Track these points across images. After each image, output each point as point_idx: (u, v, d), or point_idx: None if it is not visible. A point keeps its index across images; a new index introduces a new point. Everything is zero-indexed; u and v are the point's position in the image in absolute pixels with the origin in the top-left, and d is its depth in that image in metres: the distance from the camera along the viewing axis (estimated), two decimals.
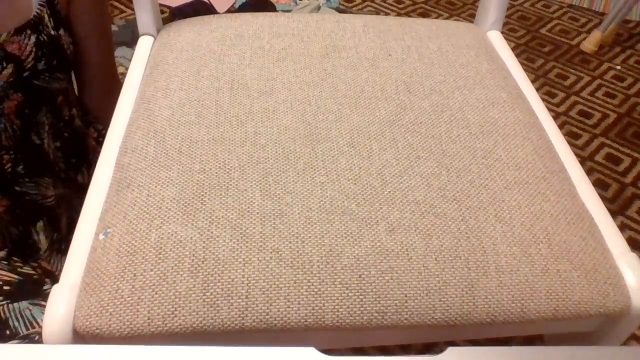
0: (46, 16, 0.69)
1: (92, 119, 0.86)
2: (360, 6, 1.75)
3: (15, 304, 0.66)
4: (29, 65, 0.67)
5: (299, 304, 0.48)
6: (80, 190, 0.82)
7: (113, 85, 0.88)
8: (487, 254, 0.51)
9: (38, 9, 0.68)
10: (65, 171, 0.79)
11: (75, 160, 0.81)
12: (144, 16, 0.77)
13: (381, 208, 0.53)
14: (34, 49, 0.67)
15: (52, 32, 0.70)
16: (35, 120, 0.71)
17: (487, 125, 0.63)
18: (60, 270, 0.74)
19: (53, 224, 0.76)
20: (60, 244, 0.78)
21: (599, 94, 1.46)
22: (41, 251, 0.75)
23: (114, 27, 1.57)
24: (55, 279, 0.73)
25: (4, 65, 0.65)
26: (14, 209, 0.72)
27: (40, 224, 0.74)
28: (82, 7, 0.76)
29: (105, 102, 0.86)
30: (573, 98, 1.45)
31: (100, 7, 0.79)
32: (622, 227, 1.12)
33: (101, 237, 0.52)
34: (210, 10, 1.61)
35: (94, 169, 0.82)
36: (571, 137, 1.34)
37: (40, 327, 0.65)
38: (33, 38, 0.67)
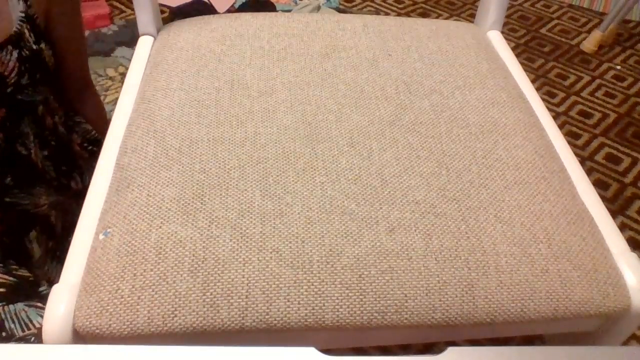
0: (26, 31, 0.68)
1: (72, 115, 0.85)
2: (360, 6, 1.75)
3: (11, 306, 0.66)
4: (12, 81, 0.67)
5: (299, 304, 0.48)
6: (75, 196, 0.81)
7: (86, 85, 0.88)
8: (487, 254, 0.51)
9: (18, 24, 0.67)
10: (56, 179, 0.78)
11: (66, 168, 0.81)
12: (144, 16, 0.77)
13: (381, 208, 0.53)
14: (17, 65, 0.67)
15: (34, 47, 0.69)
16: (19, 131, 0.71)
17: (487, 125, 0.63)
18: (55, 277, 0.74)
19: (47, 231, 0.76)
20: (55, 252, 0.77)
21: (599, 94, 1.46)
22: (34, 259, 0.74)
23: (113, 27, 1.57)
24: (51, 282, 0.73)
25: None
26: (4, 220, 0.72)
27: (33, 233, 0.74)
28: (58, 18, 0.75)
29: (82, 96, 0.86)
30: (573, 98, 1.45)
31: (75, 17, 0.79)
32: (622, 227, 1.12)
33: (101, 237, 0.52)
34: (210, 10, 1.61)
35: (86, 174, 0.82)
36: (571, 137, 1.34)
37: (37, 328, 0.65)
38: (15, 54, 0.66)
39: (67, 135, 0.82)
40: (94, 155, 0.85)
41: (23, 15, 0.67)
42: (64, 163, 0.80)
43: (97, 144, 0.86)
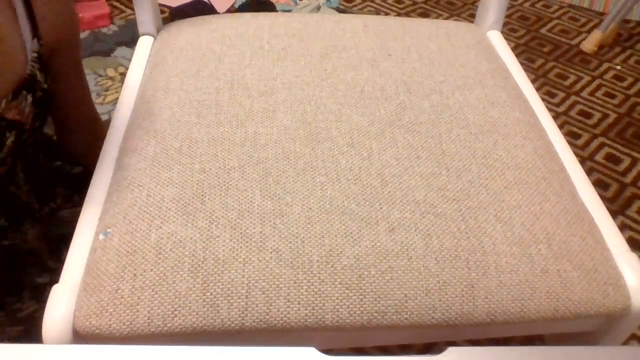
0: (38, 72, 0.65)
1: (79, 162, 0.82)
2: (360, 6, 1.75)
3: None
4: (28, 127, 0.65)
5: (299, 304, 0.48)
6: (54, 215, 0.79)
7: (94, 126, 0.84)
8: (487, 254, 0.51)
9: (31, 65, 0.64)
10: (39, 209, 0.77)
11: (49, 193, 0.78)
12: (144, 16, 0.77)
13: (381, 208, 0.53)
14: (32, 109, 0.64)
15: (44, 86, 0.66)
16: (14, 170, 0.68)
17: (487, 125, 0.63)
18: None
19: (40, 264, 0.74)
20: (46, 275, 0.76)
21: (599, 94, 1.46)
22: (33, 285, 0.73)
23: (113, 27, 1.57)
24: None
25: (7, 135, 0.62)
26: (5, 265, 0.70)
27: (32, 269, 0.73)
28: (63, 53, 0.72)
29: (88, 144, 0.83)
30: (573, 98, 1.44)
31: (77, 51, 0.76)
32: (622, 227, 1.12)
33: (101, 237, 0.52)
34: (210, 10, 1.60)
35: (60, 191, 0.79)
36: (571, 137, 1.34)
37: None
38: (29, 98, 0.63)
39: (37, 157, 0.77)
40: (58, 170, 0.81)
41: (36, 55, 0.64)
42: (45, 189, 0.78)
43: (55, 155, 0.81)
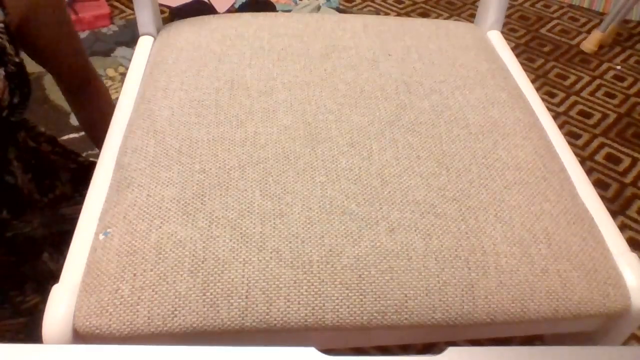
0: (7, 44, 0.62)
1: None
2: (360, 6, 1.75)
3: None
4: (6, 104, 0.62)
5: (299, 304, 0.48)
6: (55, 206, 0.78)
7: (87, 81, 0.84)
8: (487, 254, 0.51)
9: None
10: (40, 200, 0.76)
11: (49, 182, 0.78)
12: (144, 16, 0.77)
13: (381, 208, 0.53)
14: (6, 84, 0.62)
15: (16, 60, 0.64)
16: (6, 159, 0.68)
17: (487, 125, 0.63)
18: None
19: (52, 248, 0.74)
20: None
21: (599, 94, 1.46)
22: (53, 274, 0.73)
23: (113, 27, 1.57)
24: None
25: None
26: (10, 255, 0.69)
27: (46, 255, 0.72)
28: (41, 25, 0.70)
29: (83, 94, 0.83)
30: (573, 98, 1.45)
31: (59, 14, 0.74)
32: (622, 227, 1.12)
33: (101, 237, 0.52)
34: (210, 10, 1.61)
35: (63, 181, 0.79)
36: (571, 137, 1.34)
37: None
38: (2, 72, 0.61)
39: (38, 147, 0.77)
40: (63, 156, 0.81)
41: (3, 26, 0.61)
42: (45, 179, 0.77)
43: (57, 144, 0.81)
